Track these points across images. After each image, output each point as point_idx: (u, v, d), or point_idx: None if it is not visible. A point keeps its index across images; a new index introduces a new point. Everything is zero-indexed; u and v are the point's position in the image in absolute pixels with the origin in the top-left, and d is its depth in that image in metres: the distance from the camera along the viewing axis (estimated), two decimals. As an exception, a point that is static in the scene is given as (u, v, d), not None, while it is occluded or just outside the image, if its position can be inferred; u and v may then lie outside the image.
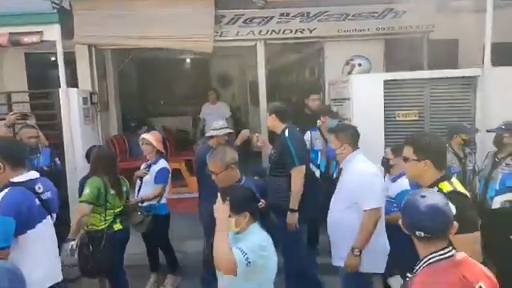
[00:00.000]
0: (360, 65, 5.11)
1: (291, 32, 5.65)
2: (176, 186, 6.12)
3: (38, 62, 6.45)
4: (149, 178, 4.09)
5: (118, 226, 3.52)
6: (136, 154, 6.42)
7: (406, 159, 2.29)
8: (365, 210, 2.81)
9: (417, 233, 1.64)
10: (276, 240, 2.30)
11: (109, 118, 6.60)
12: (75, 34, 5.14)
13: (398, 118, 4.85)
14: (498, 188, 3.63)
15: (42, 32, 4.82)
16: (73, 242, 3.23)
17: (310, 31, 5.65)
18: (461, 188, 2.13)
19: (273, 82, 6.34)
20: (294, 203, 3.40)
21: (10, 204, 2.20)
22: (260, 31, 5.62)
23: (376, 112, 4.77)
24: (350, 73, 5.20)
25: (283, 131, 3.55)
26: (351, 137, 3.06)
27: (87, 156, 4.00)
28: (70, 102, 4.98)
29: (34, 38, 4.77)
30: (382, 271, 2.99)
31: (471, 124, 4.61)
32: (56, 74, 5.02)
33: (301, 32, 5.65)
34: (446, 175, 2.22)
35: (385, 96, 4.78)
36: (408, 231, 1.69)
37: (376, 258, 2.88)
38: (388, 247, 2.95)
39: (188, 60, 10.22)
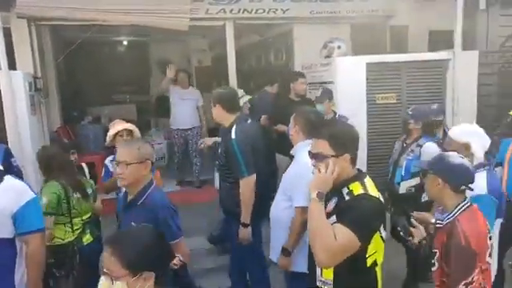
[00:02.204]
0: (339, 47, 5.00)
1: (264, 12, 5.33)
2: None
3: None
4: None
5: (87, 239, 2.95)
6: (84, 149, 5.66)
7: (318, 156, 1.87)
8: (296, 207, 2.51)
9: (462, 187, 1.99)
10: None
11: (50, 108, 5.65)
12: (17, 4, 4.21)
13: (378, 102, 4.87)
14: (403, 174, 3.67)
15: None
16: None
17: (283, 11, 5.39)
18: (373, 191, 1.85)
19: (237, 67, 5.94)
20: (245, 217, 2.95)
21: None
22: (231, 10, 5.21)
23: (359, 95, 4.74)
24: (328, 56, 5.08)
25: (230, 129, 2.98)
26: (306, 123, 2.65)
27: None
28: (14, 88, 4.10)
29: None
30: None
31: (441, 105, 4.80)
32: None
33: (274, 12, 5.36)
34: (359, 175, 1.91)
35: (367, 79, 4.76)
36: (452, 186, 1.98)
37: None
38: None
39: (126, 43, 9.33)
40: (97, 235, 3.06)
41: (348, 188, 1.84)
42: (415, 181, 3.60)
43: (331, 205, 1.86)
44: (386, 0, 5.85)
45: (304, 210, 2.35)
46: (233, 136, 2.92)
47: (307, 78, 5.41)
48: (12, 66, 4.58)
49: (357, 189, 1.82)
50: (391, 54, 5.52)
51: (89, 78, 8.96)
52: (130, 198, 2.22)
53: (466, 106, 4.90)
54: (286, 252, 2.57)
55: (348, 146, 1.85)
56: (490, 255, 1.99)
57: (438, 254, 1.97)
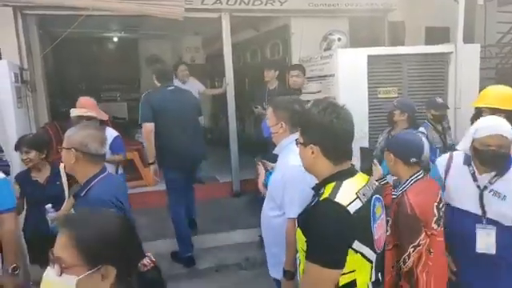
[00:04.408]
0: (340, 39, 4.87)
1: (261, 3, 5.17)
2: (130, 179, 5.26)
3: None
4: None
5: None
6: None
7: (296, 142, 1.70)
8: (288, 219, 2.09)
9: (411, 160, 2.15)
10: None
11: (37, 102, 5.38)
12: (1, -9, 3.98)
13: (379, 95, 4.75)
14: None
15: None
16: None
17: (281, 3, 5.23)
18: (348, 195, 1.48)
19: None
20: (149, 157, 3.90)
21: None
22: (227, 1, 5.03)
23: (360, 88, 4.62)
24: (328, 48, 4.94)
25: None
26: (293, 115, 2.23)
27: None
28: (0, 78, 3.85)
29: None
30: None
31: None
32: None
33: (271, 4, 5.20)
34: (342, 172, 1.57)
35: (368, 72, 4.64)
36: (402, 159, 2.16)
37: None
38: None
39: (116, 39, 9.08)
40: None
41: (324, 188, 1.54)
42: None
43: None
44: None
45: None
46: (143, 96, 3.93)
47: (306, 71, 5.28)
48: (-4, 57, 4.37)
49: (327, 191, 1.50)
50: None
51: (78, 75, 8.73)
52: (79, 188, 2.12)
53: (469, 99, 4.78)
54: (288, 275, 2.10)
55: (317, 136, 1.55)
56: (437, 223, 2.10)
57: (390, 221, 2.12)
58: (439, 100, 4.18)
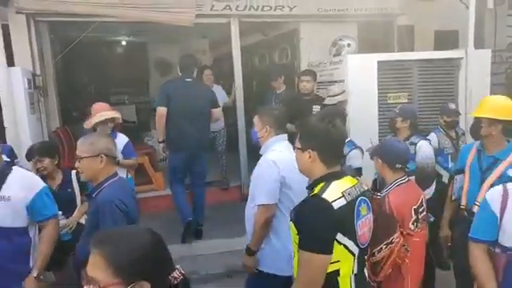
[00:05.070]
0: (349, 45, 4.87)
1: (270, 9, 5.19)
2: (140, 183, 5.31)
3: None
4: None
5: None
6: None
7: (294, 146, 1.91)
8: (258, 205, 2.42)
9: (396, 165, 2.42)
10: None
11: (48, 107, 5.44)
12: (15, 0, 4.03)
13: (389, 101, 4.74)
14: None
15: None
16: None
17: (290, 9, 5.24)
18: (334, 193, 1.67)
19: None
20: (158, 137, 4.35)
21: None
22: (237, 6, 5.06)
23: (370, 93, 4.61)
24: (337, 54, 4.94)
25: None
26: (276, 120, 2.58)
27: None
28: (14, 85, 3.92)
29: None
30: (284, 274, 2.44)
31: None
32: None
33: (280, 9, 5.22)
34: (332, 174, 1.76)
35: (378, 77, 4.63)
36: (388, 165, 2.43)
37: (277, 258, 2.46)
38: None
39: (125, 43, 9.16)
40: None
41: (315, 188, 1.74)
42: None
43: None
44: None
45: (265, 207, 2.37)
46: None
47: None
48: (10, 63, 4.42)
49: (317, 189, 1.71)
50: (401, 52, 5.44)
51: (88, 79, 8.80)
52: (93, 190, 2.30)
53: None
54: (249, 251, 2.44)
55: (314, 142, 1.77)
56: (415, 224, 2.33)
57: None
58: (452, 106, 4.16)
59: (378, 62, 4.61)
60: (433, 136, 3.93)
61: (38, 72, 4.71)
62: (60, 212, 2.79)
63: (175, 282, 1.22)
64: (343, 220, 1.66)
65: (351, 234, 1.68)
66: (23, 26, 4.52)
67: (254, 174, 2.51)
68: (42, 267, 2.28)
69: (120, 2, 4.24)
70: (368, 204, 1.82)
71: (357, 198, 1.73)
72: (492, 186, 2.48)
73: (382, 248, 2.18)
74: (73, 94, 7.26)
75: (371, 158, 2.70)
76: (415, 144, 3.46)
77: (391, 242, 2.20)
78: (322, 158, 1.76)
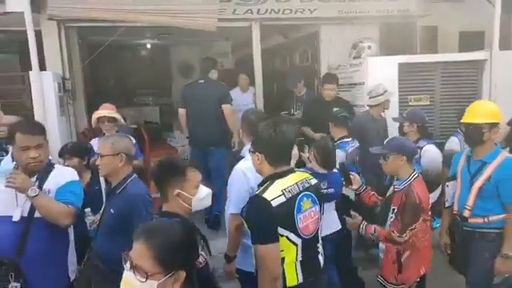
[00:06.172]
0: (370, 47, 4.87)
1: (291, 12, 5.23)
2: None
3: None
4: None
5: None
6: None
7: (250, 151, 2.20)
8: (229, 214, 2.48)
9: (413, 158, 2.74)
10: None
11: (76, 109, 5.66)
12: (48, 6, 4.23)
13: (411, 103, 4.71)
14: None
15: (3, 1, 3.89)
16: None
17: (311, 12, 5.28)
18: (275, 191, 1.88)
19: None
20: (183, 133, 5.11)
21: None
22: (258, 10, 5.13)
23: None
24: (358, 56, 4.95)
25: None
26: (249, 125, 2.62)
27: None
28: (44, 89, 4.12)
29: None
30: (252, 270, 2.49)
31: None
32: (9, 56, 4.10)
33: (301, 12, 5.26)
34: (277, 174, 1.96)
35: (399, 79, 4.61)
36: (408, 158, 2.66)
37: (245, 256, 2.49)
38: None
39: (149, 46, 9.38)
40: None
41: (260, 187, 1.96)
42: None
43: None
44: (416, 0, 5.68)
45: (233, 216, 2.42)
46: None
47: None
48: (42, 67, 4.64)
49: (261, 189, 1.93)
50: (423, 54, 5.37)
51: (113, 81, 9.04)
52: (112, 186, 2.41)
53: (505, 108, 4.67)
54: (227, 258, 2.54)
55: (261, 146, 1.98)
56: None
57: (396, 209, 2.63)
58: None
59: (399, 64, 4.60)
60: (454, 139, 3.89)
61: (68, 76, 4.91)
62: (89, 209, 2.93)
63: (200, 266, 1.35)
64: (282, 215, 1.87)
65: (291, 227, 1.89)
66: (54, 32, 4.73)
67: (229, 181, 2.56)
68: (41, 195, 2.19)
69: (147, 8, 4.38)
70: (313, 198, 2.00)
71: (298, 194, 1.93)
72: (481, 189, 2.60)
73: (406, 234, 2.54)
74: (99, 96, 7.49)
75: (383, 159, 2.72)
76: (421, 148, 3.49)
77: (414, 228, 2.55)
78: (268, 159, 1.97)
